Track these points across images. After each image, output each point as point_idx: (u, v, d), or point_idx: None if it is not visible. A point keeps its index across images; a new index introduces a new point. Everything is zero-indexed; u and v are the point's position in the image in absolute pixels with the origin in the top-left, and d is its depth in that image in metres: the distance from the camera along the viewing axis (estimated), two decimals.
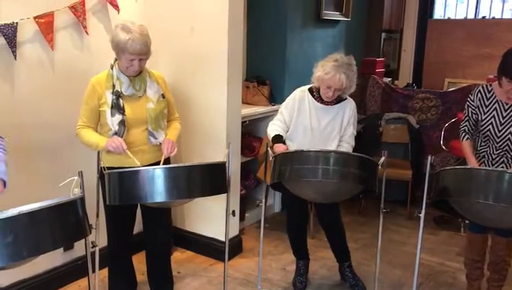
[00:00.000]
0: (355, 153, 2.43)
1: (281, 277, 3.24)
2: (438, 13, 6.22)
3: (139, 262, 2.97)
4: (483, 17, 5.83)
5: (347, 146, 2.85)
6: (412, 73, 6.14)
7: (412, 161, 4.35)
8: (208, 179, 2.30)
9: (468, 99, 2.71)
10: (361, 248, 3.64)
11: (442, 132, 4.23)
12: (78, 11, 2.85)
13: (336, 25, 4.80)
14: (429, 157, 2.25)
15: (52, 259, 2.93)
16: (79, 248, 2.98)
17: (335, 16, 4.68)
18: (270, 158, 2.56)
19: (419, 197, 4.32)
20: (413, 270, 2.39)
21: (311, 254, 3.21)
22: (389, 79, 5.37)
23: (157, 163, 2.55)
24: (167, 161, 2.60)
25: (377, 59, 5.20)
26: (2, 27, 2.51)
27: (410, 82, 5.67)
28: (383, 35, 5.64)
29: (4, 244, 1.51)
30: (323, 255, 3.44)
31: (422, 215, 2.29)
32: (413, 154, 4.40)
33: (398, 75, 6.13)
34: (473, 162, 2.66)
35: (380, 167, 2.42)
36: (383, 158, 2.43)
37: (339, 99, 2.83)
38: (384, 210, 2.54)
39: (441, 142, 4.19)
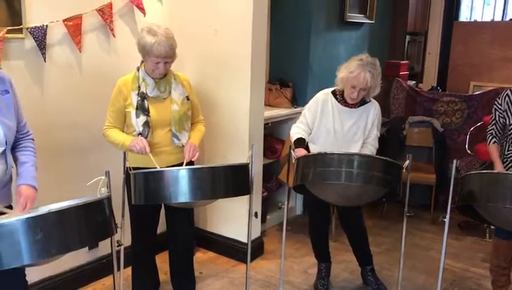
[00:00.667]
0: (379, 156, 2.40)
1: (302, 280, 3.24)
2: (464, 15, 6.12)
3: (162, 261, 3.01)
4: (511, 19, 5.72)
5: (371, 148, 2.84)
6: (437, 76, 6.05)
7: (436, 165, 4.30)
8: (231, 180, 2.32)
9: (496, 102, 2.68)
10: (383, 252, 3.61)
11: (468, 136, 4.16)
12: (106, 14, 2.90)
13: (360, 27, 4.78)
14: (455, 161, 2.22)
15: (77, 257, 2.98)
16: (103, 247, 3.03)
17: (359, 18, 4.66)
18: (293, 160, 2.56)
19: (442, 201, 4.27)
20: (437, 276, 2.36)
21: (333, 256, 3.20)
22: (413, 82, 5.31)
23: (181, 164, 2.58)
24: (190, 162, 2.62)
25: (401, 62, 5.15)
26: (32, 30, 2.57)
27: (435, 85, 5.59)
28: (408, 37, 5.58)
29: (34, 241, 1.54)
30: (345, 258, 3.42)
31: (447, 220, 2.26)
32: (437, 158, 4.34)
33: (422, 78, 6.05)
34: (500, 167, 2.62)
35: (404, 170, 2.40)
36: (407, 162, 2.40)
37: (362, 102, 2.82)
38: (408, 214, 2.52)
39: (466, 146, 4.13)
